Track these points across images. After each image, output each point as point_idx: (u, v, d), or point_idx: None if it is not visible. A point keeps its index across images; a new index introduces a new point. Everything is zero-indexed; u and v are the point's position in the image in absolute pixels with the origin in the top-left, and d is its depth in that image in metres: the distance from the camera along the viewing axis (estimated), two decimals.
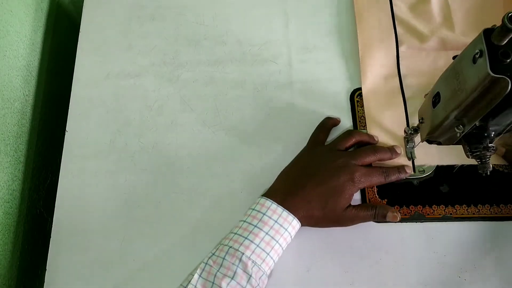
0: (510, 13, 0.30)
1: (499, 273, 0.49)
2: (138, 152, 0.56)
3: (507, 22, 0.30)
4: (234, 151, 0.55)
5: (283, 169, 0.51)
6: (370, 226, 0.51)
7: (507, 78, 0.32)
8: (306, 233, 0.50)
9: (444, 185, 0.52)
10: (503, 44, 0.33)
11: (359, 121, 0.56)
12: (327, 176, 0.47)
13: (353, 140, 0.52)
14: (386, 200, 0.52)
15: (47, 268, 0.50)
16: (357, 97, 0.57)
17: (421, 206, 0.51)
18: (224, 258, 0.43)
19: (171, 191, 0.53)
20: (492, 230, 0.50)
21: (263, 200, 0.47)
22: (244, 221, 0.46)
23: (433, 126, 0.43)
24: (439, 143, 0.45)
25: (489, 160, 0.41)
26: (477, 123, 0.38)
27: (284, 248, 0.46)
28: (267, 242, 0.44)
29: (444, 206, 0.51)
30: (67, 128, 0.57)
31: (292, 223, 0.46)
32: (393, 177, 0.50)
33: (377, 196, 0.52)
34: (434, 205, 0.51)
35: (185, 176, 0.54)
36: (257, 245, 0.44)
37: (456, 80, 0.38)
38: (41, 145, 0.61)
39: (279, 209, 0.46)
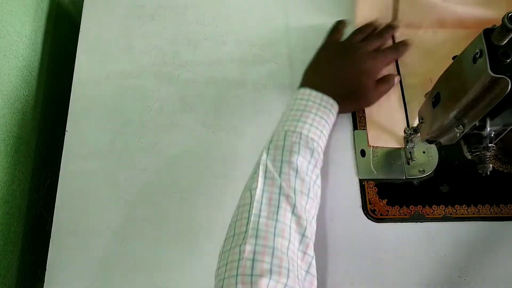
0: (510, 13, 0.30)
1: (499, 273, 0.49)
2: (138, 152, 0.55)
3: (507, 22, 0.31)
4: (234, 151, 0.55)
5: (309, 66, 0.55)
6: (370, 226, 0.51)
7: (507, 78, 0.32)
8: None
9: (444, 185, 0.53)
10: (503, 44, 0.33)
11: (359, 121, 0.56)
12: (354, 65, 0.53)
13: (366, 33, 0.57)
14: (386, 200, 0.52)
15: (47, 268, 0.50)
16: None
17: (421, 206, 0.51)
18: (284, 140, 0.45)
19: (171, 191, 0.53)
20: (492, 230, 0.50)
21: (302, 89, 0.50)
22: (292, 109, 0.49)
23: (433, 126, 0.43)
24: (439, 143, 0.45)
25: (489, 160, 0.41)
26: (477, 123, 0.38)
27: (331, 127, 0.50)
28: (318, 121, 0.47)
29: (444, 206, 0.51)
30: (67, 128, 0.57)
31: (333, 105, 0.50)
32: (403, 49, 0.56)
33: (377, 196, 0.52)
34: (434, 205, 0.51)
35: (185, 176, 0.54)
36: (311, 124, 0.47)
37: (456, 80, 0.38)
38: (41, 145, 0.61)
39: (319, 94, 0.49)
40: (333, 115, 0.50)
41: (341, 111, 0.52)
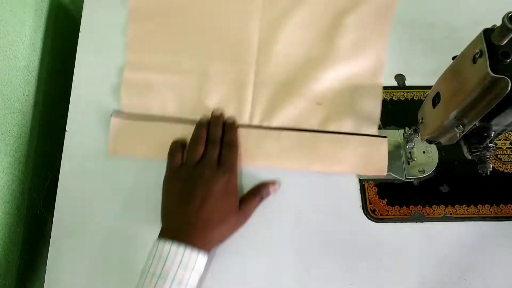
0: (510, 13, 0.30)
1: (499, 273, 0.49)
2: None
3: (507, 22, 0.31)
4: None
5: (162, 206, 0.49)
6: (370, 226, 0.51)
7: (507, 78, 0.32)
8: (306, 233, 0.51)
9: (444, 185, 0.53)
10: (503, 44, 0.33)
11: None
12: (206, 192, 0.46)
13: (202, 146, 0.51)
14: (386, 200, 0.52)
15: (47, 268, 0.50)
16: None
17: (421, 206, 0.51)
18: None
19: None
20: (492, 230, 0.51)
21: (161, 244, 0.43)
22: (148, 273, 0.42)
23: (433, 126, 0.43)
24: (439, 143, 0.45)
25: (489, 160, 0.41)
26: (477, 123, 0.38)
27: (197, 280, 0.44)
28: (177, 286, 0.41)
29: (444, 206, 0.51)
30: (67, 128, 0.57)
31: (197, 259, 0.43)
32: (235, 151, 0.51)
33: (377, 196, 0.52)
34: (434, 205, 0.51)
35: None
36: None
37: (456, 80, 0.38)
38: (41, 145, 0.61)
39: (180, 248, 0.42)
40: (197, 272, 0.43)
41: (215, 243, 0.47)
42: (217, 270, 0.49)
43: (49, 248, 0.51)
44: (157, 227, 0.51)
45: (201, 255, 0.44)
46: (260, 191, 0.51)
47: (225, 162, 0.50)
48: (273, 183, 0.52)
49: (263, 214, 0.51)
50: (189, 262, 0.42)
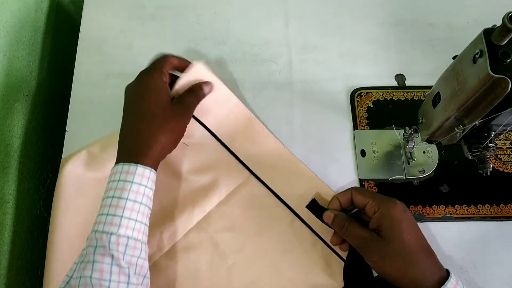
0: (510, 13, 0.30)
1: (499, 273, 0.49)
2: None
3: (507, 22, 0.31)
4: None
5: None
6: None
7: (507, 78, 0.32)
8: None
9: (444, 185, 0.53)
10: (503, 44, 0.33)
11: (359, 121, 0.56)
12: (139, 100, 0.47)
13: (168, 65, 0.49)
14: None
15: (46, 268, 0.49)
16: (357, 97, 0.58)
17: (421, 206, 0.51)
18: (94, 254, 0.39)
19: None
20: (492, 230, 0.51)
21: (114, 168, 0.43)
22: (105, 197, 0.41)
23: (433, 126, 0.43)
24: (439, 143, 0.45)
25: (489, 160, 0.41)
26: (477, 123, 0.38)
27: (150, 205, 0.43)
28: (131, 208, 0.40)
29: (444, 206, 0.51)
30: (67, 128, 0.57)
31: (150, 175, 0.42)
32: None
33: None
34: (434, 205, 0.51)
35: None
36: (121, 216, 0.39)
37: (456, 80, 0.38)
38: (41, 145, 0.61)
39: (132, 167, 0.41)
40: (150, 189, 0.42)
41: (164, 155, 0.46)
42: None
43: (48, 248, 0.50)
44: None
45: (149, 170, 0.42)
46: (195, 89, 0.48)
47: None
48: (206, 83, 0.49)
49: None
50: (142, 179, 0.41)
